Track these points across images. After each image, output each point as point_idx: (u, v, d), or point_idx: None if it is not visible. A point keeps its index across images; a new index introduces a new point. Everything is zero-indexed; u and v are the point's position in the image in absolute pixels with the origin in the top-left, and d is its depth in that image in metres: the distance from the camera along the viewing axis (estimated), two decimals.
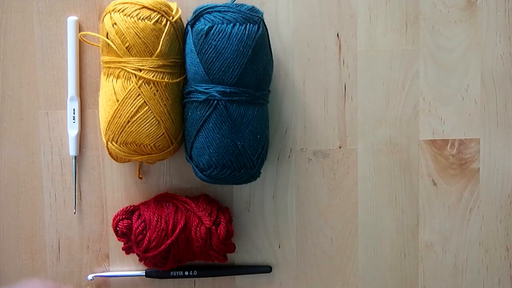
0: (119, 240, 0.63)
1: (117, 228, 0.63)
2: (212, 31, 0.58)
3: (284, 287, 0.69)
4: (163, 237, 0.62)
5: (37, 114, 0.67)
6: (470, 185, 0.69)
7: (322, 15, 0.67)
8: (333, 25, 0.67)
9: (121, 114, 0.60)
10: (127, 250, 0.64)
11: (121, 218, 0.63)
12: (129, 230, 0.62)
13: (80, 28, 0.66)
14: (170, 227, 0.62)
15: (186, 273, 0.67)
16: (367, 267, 0.69)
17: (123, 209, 0.64)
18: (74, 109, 0.66)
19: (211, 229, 0.62)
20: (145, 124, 0.60)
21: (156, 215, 0.62)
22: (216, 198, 0.67)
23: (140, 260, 0.64)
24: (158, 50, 0.59)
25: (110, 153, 0.63)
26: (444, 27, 0.67)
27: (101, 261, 0.68)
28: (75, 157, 0.67)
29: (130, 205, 0.65)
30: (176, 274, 0.67)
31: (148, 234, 0.62)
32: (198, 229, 0.62)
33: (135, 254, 0.65)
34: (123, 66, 0.59)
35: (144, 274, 0.67)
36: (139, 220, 0.62)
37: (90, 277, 0.67)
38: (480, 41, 0.68)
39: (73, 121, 0.66)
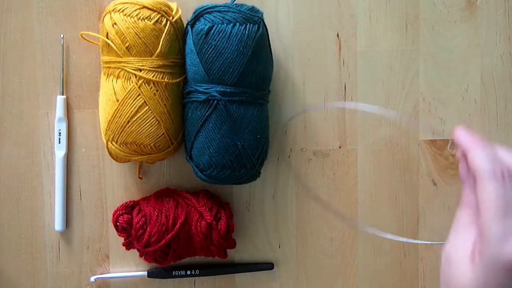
0: (119, 235, 0.63)
1: (117, 223, 0.62)
2: (212, 31, 0.58)
3: (284, 287, 0.69)
4: (163, 232, 0.62)
5: (37, 114, 0.67)
6: None
7: (322, 15, 0.67)
8: (333, 25, 0.67)
9: (121, 114, 0.60)
10: (128, 245, 0.64)
11: (121, 213, 0.63)
12: (129, 225, 0.62)
13: (79, 29, 0.66)
14: (171, 221, 0.62)
15: (188, 272, 0.67)
16: (367, 267, 0.69)
17: (123, 204, 0.63)
18: (60, 131, 0.66)
19: (211, 224, 0.62)
20: (145, 124, 0.60)
21: (156, 209, 0.62)
22: None
23: (141, 255, 0.64)
24: (158, 50, 0.59)
25: (110, 153, 0.63)
26: (444, 27, 0.67)
27: (101, 261, 0.68)
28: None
29: (130, 200, 0.64)
30: (178, 273, 0.67)
31: (148, 229, 0.62)
32: (198, 224, 0.62)
33: (135, 254, 0.65)
34: (123, 66, 0.59)
35: (146, 274, 0.67)
36: (140, 215, 0.62)
37: (92, 279, 0.67)
38: (480, 41, 0.68)
39: (59, 143, 0.66)
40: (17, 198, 0.68)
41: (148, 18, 0.59)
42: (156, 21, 0.59)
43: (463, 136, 0.50)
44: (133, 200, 0.65)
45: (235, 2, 0.60)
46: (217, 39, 0.58)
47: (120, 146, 0.61)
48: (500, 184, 0.44)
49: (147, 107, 0.59)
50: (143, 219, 0.62)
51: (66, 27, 0.66)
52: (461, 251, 0.45)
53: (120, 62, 0.59)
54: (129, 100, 0.59)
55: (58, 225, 0.67)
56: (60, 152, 0.67)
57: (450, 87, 0.68)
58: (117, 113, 0.60)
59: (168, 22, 0.60)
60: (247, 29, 0.58)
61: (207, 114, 0.59)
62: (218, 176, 0.61)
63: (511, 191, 0.44)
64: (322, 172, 0.68)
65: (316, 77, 0.67)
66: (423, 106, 0.68)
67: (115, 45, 0.59)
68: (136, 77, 0.59)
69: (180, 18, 0.62)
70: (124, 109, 0.59)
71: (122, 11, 0.59)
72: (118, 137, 0.60)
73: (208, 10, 0.59)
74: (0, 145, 0.67)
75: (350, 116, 0.68)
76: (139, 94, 0.59)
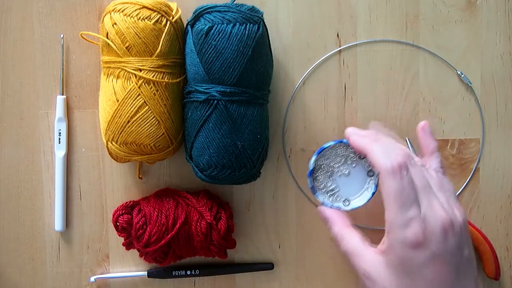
0: (119, 235, 0.63)
1: (117, 223, 0.62)
2: (212, 31, 0.58)
3: (284, 287, 0.69)
4: (163, 232, 0.62)
5: (37, 114, 0.67)
6: (470, 185, 0.69)
7: (322, 15, 0.67)
8: (333, 25, 0.67)
9: (121, 114, 0.60)
10: (128, 245, 0.64)
11: (121, 213, 0.63)
12: (129, 225, 0.62)
13: (79, 29, 0.66)
14: (171, 222, 0.62)
15: (188, 272, 0.67)
16: None
17: (122, 204, 0.63)
18: (60, 131, 0.66)
19: (211, 224, 0.62)
20: (145, 124, 0.60)
21: (156, 209, 0.62)
22: None
23: (141, 255, 0.64)
24: (158, 50, 0.59)
25: (110, 153, 0.63)
26: (444, 27, 0.67)
27: (101, 261, 0.68)
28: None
29: (130, 200, 0.64)
30: (178, 273, 0.67)
31: (148, 229, 0.62)
32: (198, 224, 0.62)
33: (135, 254, 0.65)
34: (123, 66, 0.59)
35: (146, 274, 0.67)
36: (140, 215, 0.62)
37: (92, 279, 0.67)
38: (480, 41, 0.68)
39: (59, 143, 0.66)
40: (17, 198, 0.68)
41: (148, 18, 0.59)
42: (156, 21, 0.59)
43: (356, 139, 0.57)
44: (133, 200, 0.65)
45: (235, 2, 0.60)
46: (217, 39, 0.58)
47: (120, 146, 0.61)
48: (398, 180, 0.52)
49: (147, 107, 0.59)
50: (143, 219, 0.62)
51: (66, 27, 0.67)
52: (358, 246, 0.55)
53: (120, 62, 0.59)
54: (129, 100, 0.59)
55: (58, 225, 0.67)
56: (60, 152, 0.67)
57: (450, 87, 0.68)
58: (117, 113, 0.60)
59: (168, 22, 0.60)
60: (247, 29, 0.58)
61: (207, 114, 0.59)
62: (218, 176, 0.61)
63: (408, 184, 0.52)
64: None
65: (316, 77, 0.67)
66: (423, 106, 0.68)
67: (115, 45, 0.59)
68: (136, 77, 0.59)
69: (180, 18, 0.62)
70: (124, 109, 0.59)
71: (122, 11, 0.59)
72: (118, 137, 0.60)
73: (208, 10, 0.59)
74: (0, 145, 0.67)
75: (350, 116, 0.68)
76: (139, 94, 0.59)
